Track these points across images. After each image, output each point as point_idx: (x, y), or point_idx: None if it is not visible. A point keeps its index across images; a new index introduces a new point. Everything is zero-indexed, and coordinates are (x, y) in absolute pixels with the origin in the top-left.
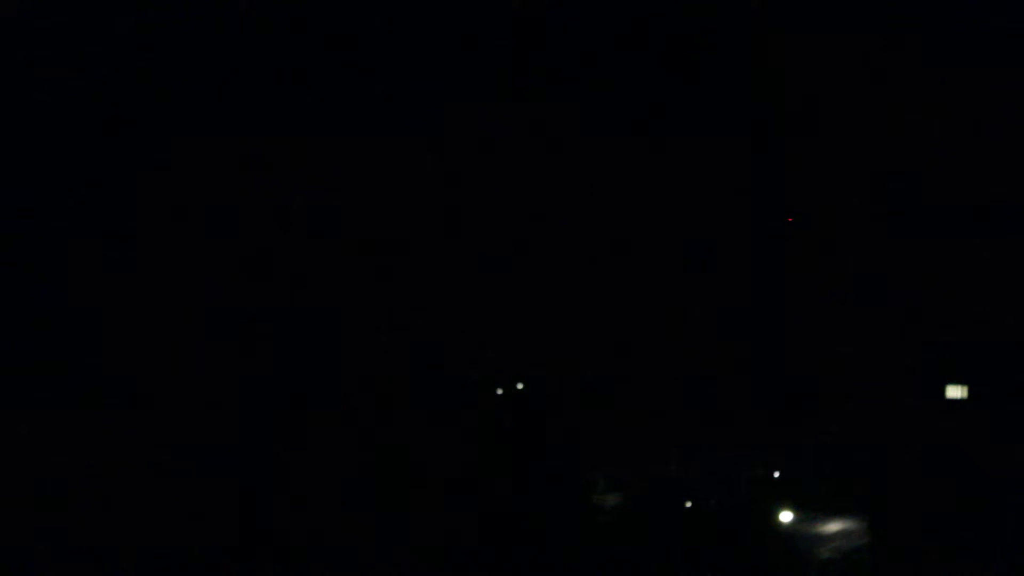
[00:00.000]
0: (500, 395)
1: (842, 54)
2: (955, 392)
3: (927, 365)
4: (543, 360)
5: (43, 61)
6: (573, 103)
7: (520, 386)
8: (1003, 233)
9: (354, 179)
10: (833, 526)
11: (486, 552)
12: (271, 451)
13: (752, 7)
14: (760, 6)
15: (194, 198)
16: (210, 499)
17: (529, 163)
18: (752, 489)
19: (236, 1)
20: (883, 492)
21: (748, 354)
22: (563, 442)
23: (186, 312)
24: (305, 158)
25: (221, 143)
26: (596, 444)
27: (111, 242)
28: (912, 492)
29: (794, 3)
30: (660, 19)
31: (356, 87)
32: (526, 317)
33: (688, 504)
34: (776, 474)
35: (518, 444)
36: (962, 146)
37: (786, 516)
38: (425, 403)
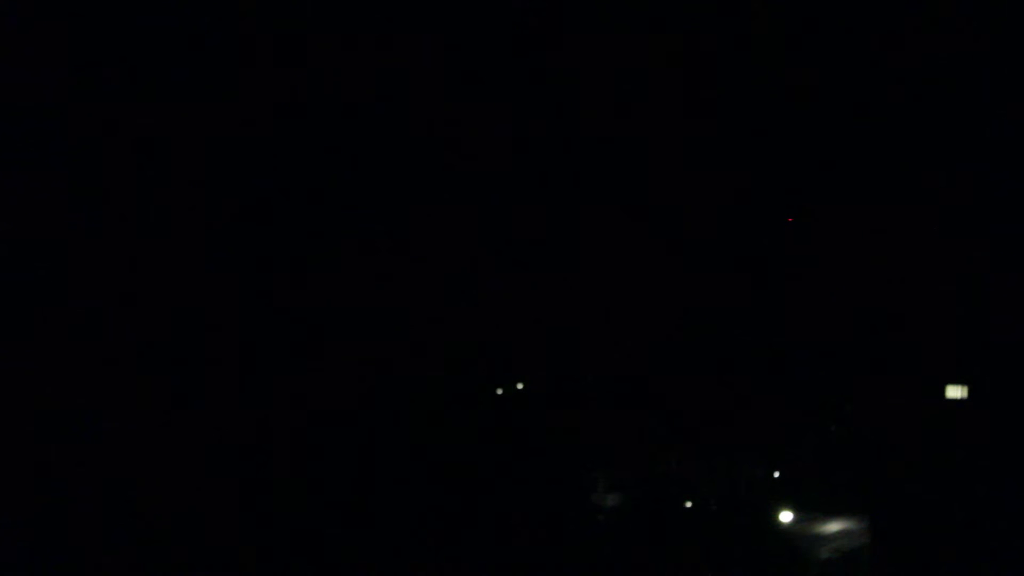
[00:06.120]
0: (500, 395)
1: (841, 53)
2: (955, 392)
3: (927, 365)
4: (543, 360)
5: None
6: (572, 104)
7: (520, 386)
8: (1003, 233)
9: (354, 180)
10: (833, 526)
11: (486, 552)
12: (271, 451)
13: (753, 7)
14: (760, 7)
15: (192, 196)
16: (210, 499)
17: (529, 164)
18: (752, 489)
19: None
20: (883, 492)
21: (748, 354)
22: (563, 442)
23: (186, 312)
24: (307, 159)
25: (214, 143)
26: (596, 444)
27: (107, 241)
28: (912, 492)
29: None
30: (662, 19)
31: (352, 83)
32: (526, 318)
33: (688, 504)
34: (776, 474)
35: (518, 444)
36: (962, 146)
37: (786, 516)
38: (426, 403)
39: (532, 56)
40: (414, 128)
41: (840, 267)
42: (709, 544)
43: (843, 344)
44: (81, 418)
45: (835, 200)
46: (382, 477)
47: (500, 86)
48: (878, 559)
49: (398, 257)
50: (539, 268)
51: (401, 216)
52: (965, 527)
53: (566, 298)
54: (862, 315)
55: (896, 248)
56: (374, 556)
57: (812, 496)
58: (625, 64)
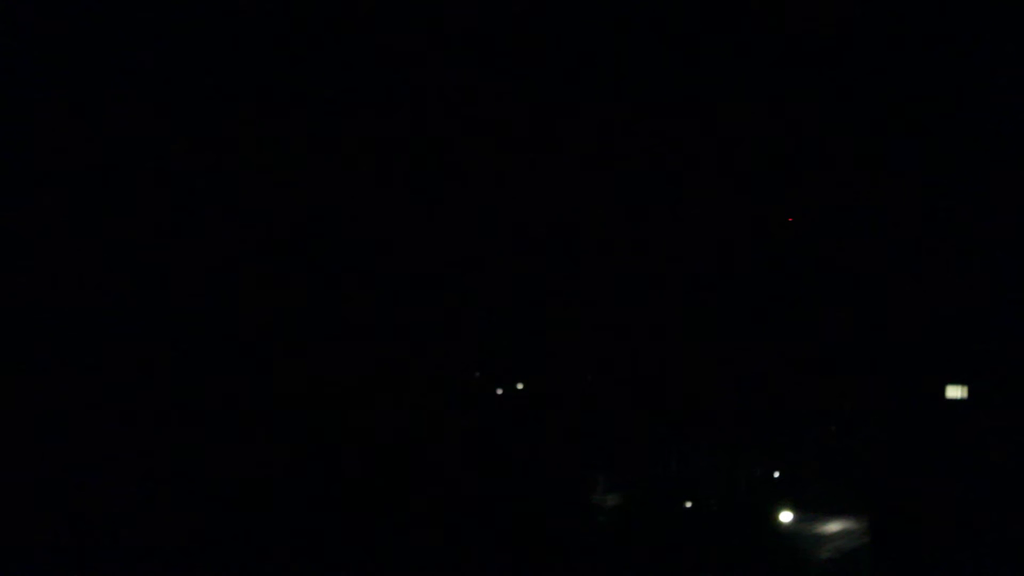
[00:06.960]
0: (500, 395)
1: (841, 54)
2: (955, 392)
3: (927, 365)
4: (543, 360)
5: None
6: (574, 102)
7: (520, 386)
8: (1003, 233)
9: (354, 179)
10: (833, 526)
11: (486, 552)
12: (271, 451)
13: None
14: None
15: (191, 198)
16: (210, 499)
17: (528, 164)
18: (752, 489)
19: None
20: (883, 492)
21: (748, 354)
22: (563, 442)
23: (187, 312)
24: (304, 158)
25: (212, 142)
26: (596, 444)
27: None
28: (912, 492)
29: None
30: (662, 18)
31: (350, 84)
32: (526, 318)
33: (688, 504)
34: (776, 474)
35: (518, 444)
36: (961, 145)
37: (786, 516)
38: (425, 403)
39: (529, 56)
40: (411, 127)
41: (839, 266)
42: (709, 544)
43: (843, 344)
44: (80, 418)
45: (835, 199)
46: (382, 477)
47: (501, 83)
48: (878, 559)
49: (398, 256)
50: (539, 268)
51: (401, 215)
52: (965, 527)
53: (566, 298)
54: (862, 314)
55: (896, 247)
56: (374, 556)
57: (812, 496)
58: (625, 64)
